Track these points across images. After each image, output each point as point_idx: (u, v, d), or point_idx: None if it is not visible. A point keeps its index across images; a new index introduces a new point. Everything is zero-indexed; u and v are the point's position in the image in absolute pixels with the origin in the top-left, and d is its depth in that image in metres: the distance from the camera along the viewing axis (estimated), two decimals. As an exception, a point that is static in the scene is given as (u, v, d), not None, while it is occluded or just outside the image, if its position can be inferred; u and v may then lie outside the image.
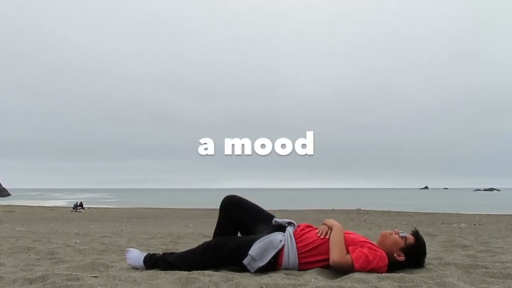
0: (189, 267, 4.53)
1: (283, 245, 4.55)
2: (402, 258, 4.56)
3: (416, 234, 4.71)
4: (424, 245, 4.74)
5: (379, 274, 4.12)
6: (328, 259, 4.43)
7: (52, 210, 49.58)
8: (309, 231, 4.72)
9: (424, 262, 4.75)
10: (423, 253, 4.74)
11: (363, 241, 4.57)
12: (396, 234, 4.65)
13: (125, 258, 5.01)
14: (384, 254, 4.46)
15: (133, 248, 5.17)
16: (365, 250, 4.39)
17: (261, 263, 4.45)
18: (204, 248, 4.74)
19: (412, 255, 4.63)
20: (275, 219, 4.91)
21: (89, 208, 55.62)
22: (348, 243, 4.51)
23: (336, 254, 4.35)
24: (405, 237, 4.63)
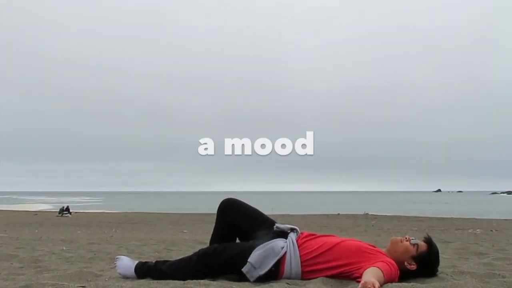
0: (183, 277, 4.50)
1: (285, 252, 4.51)
2: (413, 267, 4.54)
3: (428, 241, 4.68)
4: (437, 253, 4.72)
5: (389, 284, 4.11)
6: (333, 267, 4.43)
7: (36, 214, 49.50)
8: (314, 238, 4.69)
9: (437, 270, 4.72)
10: (436, 261, 4.71)
11: (376, 253, 4.55)
12: (407, 241, 4.62)
13: (115, 266, 4.95)
14: (396, 266, 4.45)
15: (124, 255, 5.15)
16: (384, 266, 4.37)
17: (262, 271, 4.41)
18: (199, 256, 4.70)
19: (424, 264, 4.60)
20: (276, 224, 4.87)
21: (76, 212, 55.58)
22: (354, 251, 4.51)
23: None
24: (417, 244, 4.61)
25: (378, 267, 4.21)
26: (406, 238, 4.65)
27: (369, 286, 3.62)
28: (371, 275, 3.98)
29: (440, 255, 4.80)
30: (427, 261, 4.62)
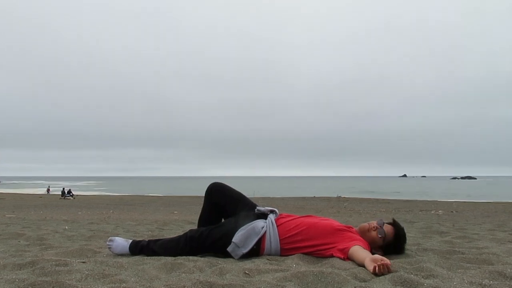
0: (173, 256, 4.53)
1: (265, 232, 4.55)
2: (379, 254, 4.53)
3: (396, 228, 4.67)
4: (403, 237, 4.71)
5: None
6: (309, 246, 4.44)
7: (41, 197, 49.41)
8: (292, 219, 4.71)
9: (404, 249, 4.75)
10: (403, 243, 4.74)
11: (349, 233, 4.55)
12: (374, 230, 4.61)
13: (109, 248, 4.96)
14: (368, 248, 4.44)
15: (117, 237, 5.13)
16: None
17: (245, 250, 4.45)
18: (187, 239, 4.72)
19: (391, 247, 4.63)
20: (257, 207, 4.90)
21: (77, 195, 55.56)
22: (328, 231, 4.51)
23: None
24: (383, 236, 4.58)
25: (360, 246, 4.23)
26: (373, 227, 4.62)
27: (384, 262, 3.64)
28: (364, 253, 4.01)
29: (406, 233, 4.82)
30: (394, 247, 4.63)
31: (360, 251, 4.08)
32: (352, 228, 4.69)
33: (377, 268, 3.56)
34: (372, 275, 3.54)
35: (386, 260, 3.63)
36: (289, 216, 4.80)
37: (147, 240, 5.01)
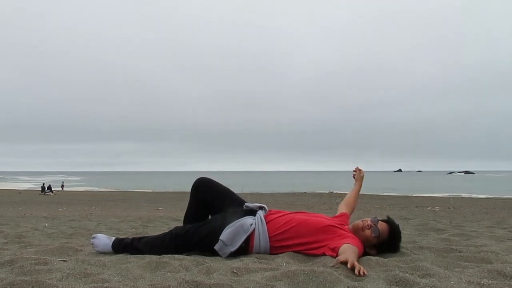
0: (158, 255, 4.50)
1: (254, 229, 4.51)
2: (373, 252, 4.53)
3: (390, 227, 4.66)
4: (398, 235, 4.69)
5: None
6: (300, 244, 4.43)
7: (20, 193, 49.25)
8: (282, 215, 4.69)
9: (399, 247, 4.75)
10: (398, 242, 4.73)
11: (341, 231, 4.54)
12: (368, 229, 4.60)
13: (92, 245, 4.93)
14: (361, 244, 4.44)
15: (100, 234, 5.11)
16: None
17: (233, 248, 4.41)
18: (172, 237, 4.67)
19: (386, 246, 4.63)
20: (246, 204, 4.86)
21: (58, 191, 55.43)
22: (319, 228, 4.50)
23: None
24: (378, 235, 4.55)
25: (350, 244, 4.22)
26: (367, 225, 4.61)
27: (344, 260, 3.63)
28: (349, 252, 3.99)
29: (401, 231, 4.82)
30: (388, 245, 4.63)
31: (349, 250, 4.08)
32: (345, 225, 4.69)
33: (351, 264, 3.57)
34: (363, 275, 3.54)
35: (361, 269, 3.53)
36: (278, 212, 4.77)
37: (130, 237, 4.97)
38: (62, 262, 4.11)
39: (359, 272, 3.45)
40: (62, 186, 66.47)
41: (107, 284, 3.26)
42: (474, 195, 45.98)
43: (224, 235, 4.44)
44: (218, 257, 4.39)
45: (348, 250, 3.98)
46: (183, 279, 3.29)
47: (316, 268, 3.53)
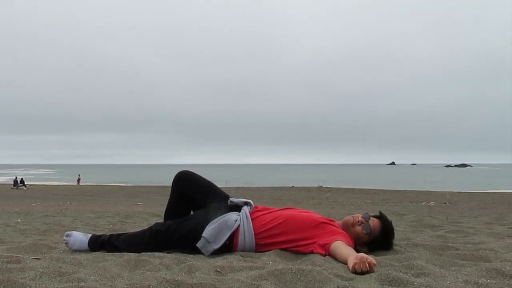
0: (137, 253, 4.48)
1: (239, 225, 4.48)
2: (365, 250, 4.51)
3: (382, 223, 4.65)
4: (391, 231, 4.70)
5: None
6: (287, 241, 4.42)
7: (-10, 187, 49.05)
8: (268, 212, 4.66)
9: (392, 245, 4.76)
10: (390, 241, 4.74)
11: (330, 227, 4.54)
12: (359, 225, 4.58)
13: (66, 244, 4.85)
14: (352, 243, 4.45)
15: (74, 231, 5.08)
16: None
17: (216, 246, 4.36)
18: (152, 234, 4.61)
19: (378, 243, 4.64)
20: (230, 199, 4.81)
21: (31, 185, 55.22)
22: (308, 224, 4.50)
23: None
24: (369, 232, 4.54)
25: (342, 241, 4.23)
26: (358, 221, 4.58)
27: (368, 261, 3.61)
28: (348, 250, 4.00)
29: (394, 228, 4.82)
30: (381, 243, 4.64)
31: (342, 247, 4.05)
32: (335, 221, 4.70)
33: (356, 265, 3.53)
34: (356, 274, 3.54)
35: (370, 259, 3.58)
36: (265, 209, 4.72)
37: (108, 234, 4.91)
38: (36, 260, 4.05)
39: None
40: (79, 180, 66.17)
41: (83, 283, 3.22)
42: (471, 190, 46.17)
43: (207, 231, 4.39)
44: (201, 255, 4.34)
45: (349, 251, 3.99)
46: (163, 278, 3.27)
47: (304, 267, 3.50)
